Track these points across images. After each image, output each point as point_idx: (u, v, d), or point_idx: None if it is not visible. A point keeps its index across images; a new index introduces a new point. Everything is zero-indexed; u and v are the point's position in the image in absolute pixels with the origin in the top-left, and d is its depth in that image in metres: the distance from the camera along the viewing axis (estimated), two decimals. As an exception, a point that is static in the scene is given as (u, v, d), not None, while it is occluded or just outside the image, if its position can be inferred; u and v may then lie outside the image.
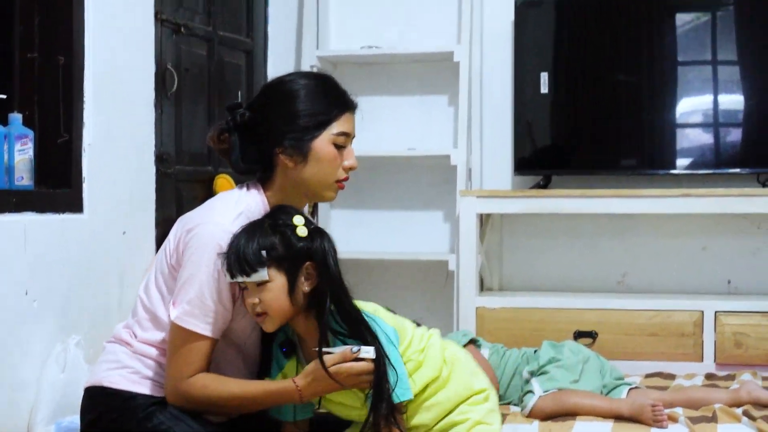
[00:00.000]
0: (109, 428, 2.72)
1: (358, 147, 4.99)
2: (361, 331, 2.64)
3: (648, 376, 3.96)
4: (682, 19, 4.80)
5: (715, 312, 4.39)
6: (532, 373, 3.39)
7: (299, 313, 2.65)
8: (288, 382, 2.64)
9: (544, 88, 4.84)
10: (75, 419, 3.34)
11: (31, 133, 3.50)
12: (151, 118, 4.14)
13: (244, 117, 2.77)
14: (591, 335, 4.47)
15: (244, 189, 2.80)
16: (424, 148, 5.03)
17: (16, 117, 3.47)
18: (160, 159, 4.20)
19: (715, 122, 4.76)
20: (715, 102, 4.74)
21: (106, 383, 2.76)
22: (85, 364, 3.44)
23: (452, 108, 5.09)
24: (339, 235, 5.20)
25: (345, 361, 2.59)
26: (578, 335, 4.45)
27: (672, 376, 3.94)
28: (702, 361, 4.36)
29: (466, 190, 4.70)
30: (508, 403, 3.45)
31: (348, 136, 2.77)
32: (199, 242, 2.63)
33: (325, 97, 2.75)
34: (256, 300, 2.58)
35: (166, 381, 2.69)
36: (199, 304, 2.62)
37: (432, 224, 5.19)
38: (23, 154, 3.46)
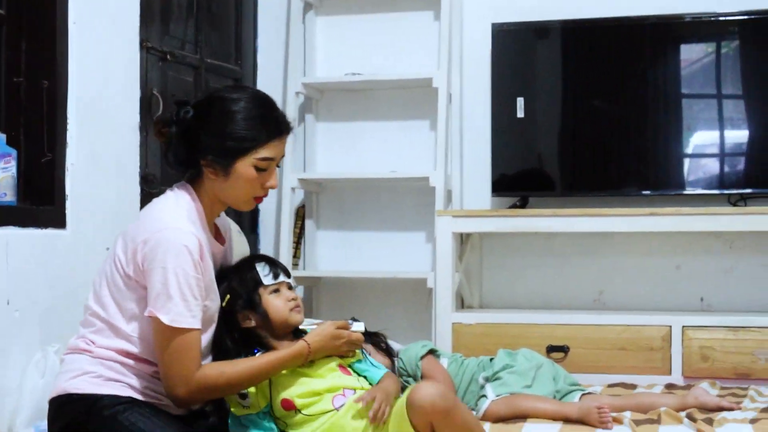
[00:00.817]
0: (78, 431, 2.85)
1: (343, 170, 5.24)
2: None
3: (610, 386, 4.08)
4: (646, 42, 4.96)
5: (683, 327, 4.51)
6: (487, 379, 3.56)
7: None
8: (300, 344, 2.98)
9: (521, 113, 5.01)
10: (53, 423, 3.52)
11: (14, 152, 3.68)
12: (135, 141, 4.33)
13: (187, 115, 2.94)
14: (563, 349, 4.60)
15: (175, 190, 2.98)
16: (406, 171, 5.19)
17: (0, 137, 3.66)
18: (145, 179, 4.38)
19: (693, 145, 4.91)
20: (691, 125, 4.90)
21: (72, 390, 2.89)
22: (64, 371, 3.61)
23: (433, 132, 5.25)
24: (325, 255, 5.42)
25: (345, 329, 3.04)
26: (550, 350, 4.59)
27: (633, 386, 4.07)
28: (670, 374, 4.48)
29: (442, 210, 4.86)
30: (465, 408, 3.61)
31: (272, 160, 2.92)
32: (164, 248, 2.80)
33: (257, 123, 2.90)
34: (295, 294, 3.16)
35: (172, 383, 2.83)
36: (183, 303, 2.79)
37: (414, 244, 5.36)
38: (6, 171, 3.64)
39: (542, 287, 5.19)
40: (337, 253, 5.48)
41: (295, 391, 3.02)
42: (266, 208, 5.42)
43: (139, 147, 4.35)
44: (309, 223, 5.46)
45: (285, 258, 5.18)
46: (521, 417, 3.36)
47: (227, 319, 3.07)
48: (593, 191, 5.02)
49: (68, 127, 3.90)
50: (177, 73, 4.73)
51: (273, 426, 3.03)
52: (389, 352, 3.67)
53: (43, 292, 3.73)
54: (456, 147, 5.25)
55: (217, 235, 3.10)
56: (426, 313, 5.06)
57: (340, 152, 5.49)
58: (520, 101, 5.00)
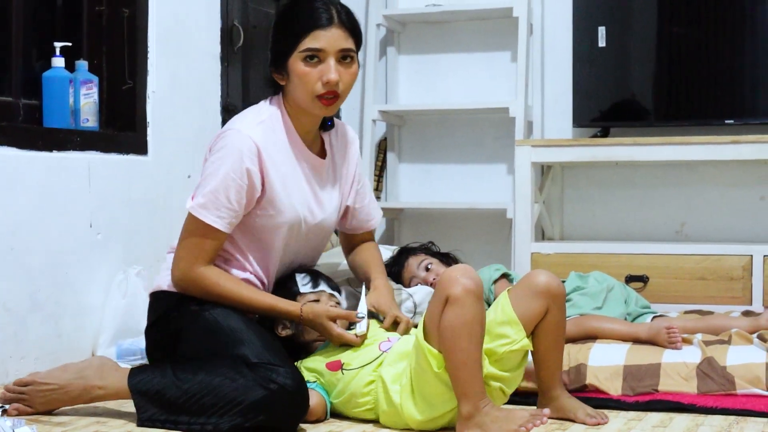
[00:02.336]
0: (168, 324, 2.96)
1: (425, 102, 5.28)
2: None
3: (686, 312, 4.07)
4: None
5: (764, 256, 4.46)
6: (558, 300, 3.56)
7: None
8: (295, 307, 2.94)
9: (602, 42, 4.97)
10: (134, 341, 3.64)
11: (96, 79, 3.78)
12: (216, 71, 4.41)
13: None
14: (642, 279, 4.60)
15: (269, 101, 3.05)
16: (487, 102, 5.20)
17: (82, 64, 3.77)
18: (227, 109, 4.45)
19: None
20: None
21: (164, 286, 3.01)
22: (144, 293, 3.71)
23: (514, 63, 5.24)
24: (406, 187, 5.47)
25: (348, 319, 2.94)
26: (629, 279, 4.58)
27: (710, 313, 4.05)
28: (751, 304, 4.43)
29: (522, 140, 4.86)
30: (535, 329, 3.63)
31: (319, 51, 2.90)
32: (222, 144, 2.90)
33: (295, 19, 2.93)
34: (335, 303, 3.06)
35: (175, 262, 2.92)
36: (213, 199, 2.86)
37: (495, 176, 5.36)
38: (88, 98, 3.74)
39: (624, 219, 5.16)
40: (418, 185, 5.52)
41: (338, 352, 2.96)
42: (349, 141, 5.46)
43: (219, 77, 4.43)
44: (391, 156, 5.50)
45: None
46: (591, 337, 3.37)
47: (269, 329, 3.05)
48: (676, 121, 4.95)
49: (149, 55, 3.99)
50: (258, 5, 4.78)
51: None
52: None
53: (124, 215, 3.84)
54: (537, 78, 5.23)
55: (322, 148, 3.12)
56: (506, 243, 5.08)
57: (421, 85, 5.51)
58: (602, 30, 4.96)
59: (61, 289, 3.57)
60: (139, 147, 3.96)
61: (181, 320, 2.93)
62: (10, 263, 3.37)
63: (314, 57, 2.90)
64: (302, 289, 3.05)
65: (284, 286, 3.09)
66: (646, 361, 3.16)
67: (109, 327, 3.70)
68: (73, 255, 3.63)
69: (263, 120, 2.96)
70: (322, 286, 3.08)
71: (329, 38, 2.91)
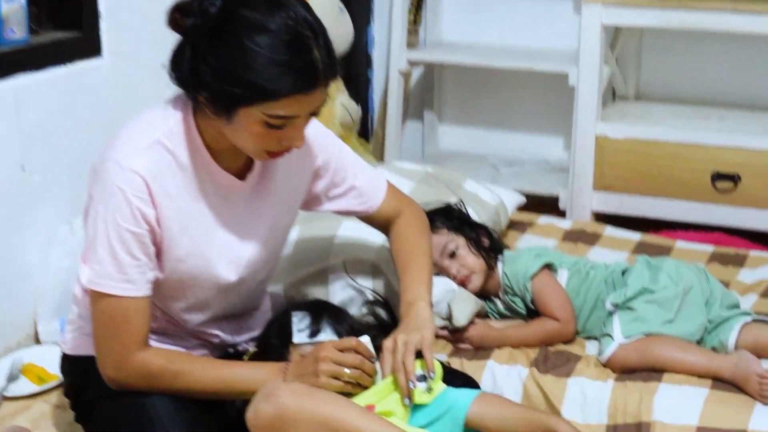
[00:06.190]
0: (81, 394, 2.41)
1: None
2: None
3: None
4: None
5: None
6: (617, 306, 2.71)
7: None
8: (276, 374, 2.20)
9: None
10: (81, 314, 2.96)
11: (19, -27, 2.90)
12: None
13: (209, 16, 2.05)
14: (732, 178, 3.79)
15: (169, 107, 2.20)
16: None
17: (1, -46, 2.87)
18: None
19: None
20: None
21: (66, 350, 2.44)
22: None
23: None
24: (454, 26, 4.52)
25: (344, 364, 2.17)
26: (717, 177, 3.78)
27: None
28: None
29: (590, -4, 3.90)
30: (587, 338, 2.81)
31: (289, 118, 2.07)
32: (100, 188, 2.16)
33: (274, 70, 2.01)
34: None
35: (101, 359, 2.23)
36: (112, 261, 2.14)
37: (560, 14, 4.40)
38: (12, 2, 2.87)
39: (714, 80, 4.27)
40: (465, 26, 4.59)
41: None
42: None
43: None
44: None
45: (398, 25, 4.29)
46: (657, 370, 2.57)
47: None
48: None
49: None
50: None
51: None
52: (493, 249, 2.86)
53: (70, 146, 3.09)
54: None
55: (244, 168, 2.29)
56: (567, 115, 4.20)
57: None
58: None
59: (-11, 249, 2.88)
60: (90, 49, 3.11)
61: (95, 392, 2.31)
62: None
63: (282, 124, 2.07)
64: (296, 339, 2.29)
65: (279, 331, 2.34)
66: (728, 424, 2.41)
67: (50, 294, 3.03)
68: (2, 207, 2.88)
69: (156, 139, 2.14)
70: (325, 334, 2.30)
71: (307, 103, 2.07)
